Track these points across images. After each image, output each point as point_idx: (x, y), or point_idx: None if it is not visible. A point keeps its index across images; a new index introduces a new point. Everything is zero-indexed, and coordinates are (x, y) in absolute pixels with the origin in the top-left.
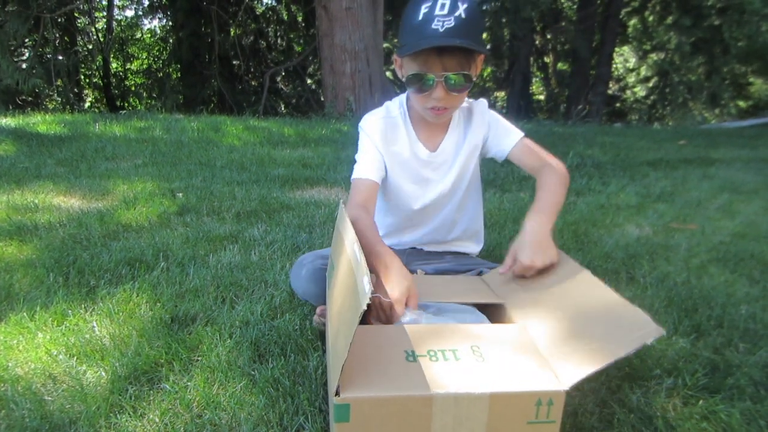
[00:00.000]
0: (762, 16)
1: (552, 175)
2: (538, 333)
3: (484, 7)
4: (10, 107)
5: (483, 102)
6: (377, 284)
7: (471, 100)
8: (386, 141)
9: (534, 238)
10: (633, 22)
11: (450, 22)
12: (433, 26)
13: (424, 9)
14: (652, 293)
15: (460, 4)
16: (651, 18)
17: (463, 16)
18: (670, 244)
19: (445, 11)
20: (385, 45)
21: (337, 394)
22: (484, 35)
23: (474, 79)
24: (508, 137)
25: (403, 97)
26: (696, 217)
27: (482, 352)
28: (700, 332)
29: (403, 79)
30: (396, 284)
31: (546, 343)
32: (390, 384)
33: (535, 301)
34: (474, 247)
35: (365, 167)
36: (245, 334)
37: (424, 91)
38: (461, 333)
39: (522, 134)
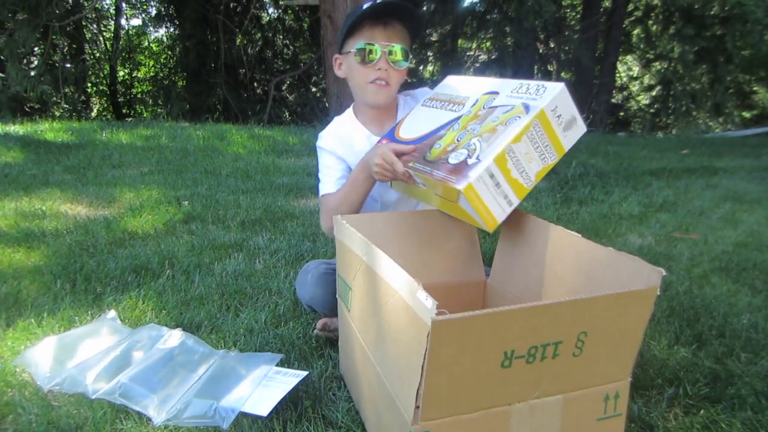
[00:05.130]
0: (765, 26)
1: None
2: None
3: (488, 17)
4: (18, 114)
5: (426, 89)
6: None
7: (416, 89)
8: (345, 144)
9: None
10: (636, 31)
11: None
12: (374, 4)
13: (365, 5)
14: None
15: None
16: (654, 27)
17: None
18: (673, 254)
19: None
20: None
21: (416, 421)
22: (488, 43)
23: (410, 58)
24: None
25: (350, 108)
26: (698, 226)
27: (585, 343)
28: (702, 342)
29: (340, 72)
30: (371, 157)
31: None
32: (470, 401)
33: (528, 276)
34: None
35: (330, 183)
36: (249, 342)
37: (369, 62)
38: (579, 314)
39: None
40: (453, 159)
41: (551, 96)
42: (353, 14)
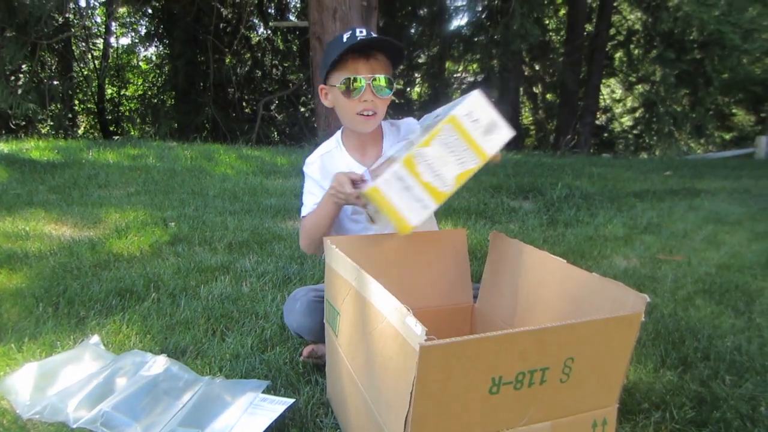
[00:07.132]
0: (742, 51)
1: None
2: None
3: (475, 39)
4: (3, 132)
5: (411, 119)
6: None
7: (402, 119)
8: (326, 174)
9: None
10: (618, 54)
11: (370, 35)
12: (358, 39)
13: (345, 36)
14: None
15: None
16: (636, 51)
17: (381, 35)
18: (657, 276)
19: (365, 33)
20: None
21: None
22: (475, 65)
23: (394, 86)
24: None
25: (338, 132)
26: (682, 248)
27: (572, 369)
28: (687, 364)
29: (327, 102)
30: (335, 183)
31: None
32: (459, 428)
33: (515, 301)
34: None
35: (308, 207)
36: (235, 368)
37: (354, 94)
38: (565, 340)
39: None
40: (383, 168)
41: (463, 102)
42: (335, 49)
